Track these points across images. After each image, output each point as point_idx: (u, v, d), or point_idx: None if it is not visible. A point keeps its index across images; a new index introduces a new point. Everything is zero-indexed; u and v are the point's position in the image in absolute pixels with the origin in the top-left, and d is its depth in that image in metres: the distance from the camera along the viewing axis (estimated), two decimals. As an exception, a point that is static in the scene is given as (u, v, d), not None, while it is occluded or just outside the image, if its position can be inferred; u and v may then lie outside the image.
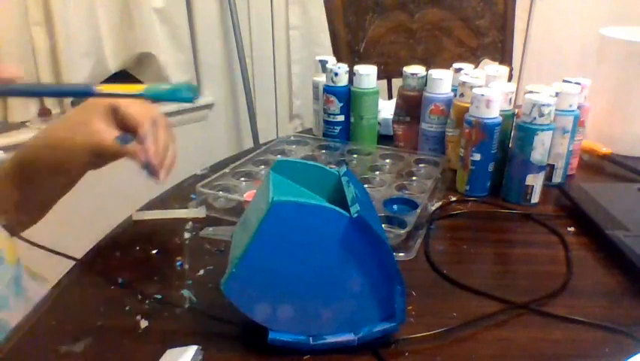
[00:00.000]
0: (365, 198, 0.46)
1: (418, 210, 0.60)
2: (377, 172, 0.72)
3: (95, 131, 0.55)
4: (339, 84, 0.80)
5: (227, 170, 0.69)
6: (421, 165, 0.74)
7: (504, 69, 0.76)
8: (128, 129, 0.56)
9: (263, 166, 0.72)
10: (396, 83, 0.92)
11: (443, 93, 0.76)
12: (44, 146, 0.59)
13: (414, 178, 0.70)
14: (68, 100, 1.44)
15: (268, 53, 1.89)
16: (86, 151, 0.55)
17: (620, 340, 0.44)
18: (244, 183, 0.68)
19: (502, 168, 0.69)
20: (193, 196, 0.66)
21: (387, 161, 0.75)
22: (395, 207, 0.63)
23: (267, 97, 1.92)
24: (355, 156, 0.77)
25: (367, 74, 0.78)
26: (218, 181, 0.66)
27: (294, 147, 0.80)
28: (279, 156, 0.76)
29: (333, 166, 0.68)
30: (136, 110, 0.56)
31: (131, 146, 0.55)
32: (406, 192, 0.66)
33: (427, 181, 0.68)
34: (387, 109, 0.88)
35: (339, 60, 0.84)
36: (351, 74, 0.80)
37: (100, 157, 0.57)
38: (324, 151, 0.78)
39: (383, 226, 0.58)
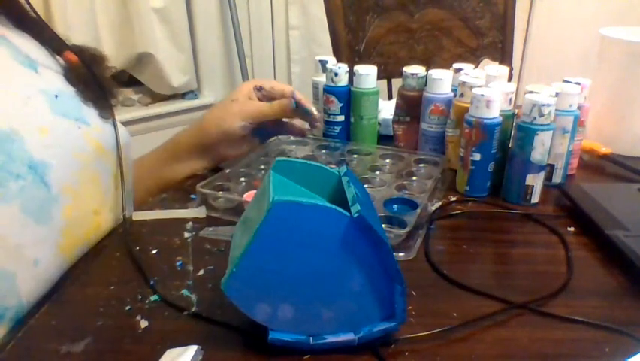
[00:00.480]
0: (365, 198, 0.46)
1: (418, 210, 0.60)
2: (377, 172, 0.72)
3: (245, 103, 0.70)
4: (339, 84, 0.80)
5: (226, 170, 0.70)
6: (421, 165, 0.74)
7: (504, 69, 0.76)
8: (273, 99, 0.71)
9: (263, 166, 0.72)
10: (396, 83, 0.92)
11: (443, 93, 0.76)
12: (197, 124, 0.71)
13: (414, 178, 0.70)
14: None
15: (268, 53, 1.90)
16: (240, 118, 0.69)
17: (620, 340, 0.44)
18: (243, 183, 0.68)
19: (502, 168, 0.69)
20: (193, 196, 0.66)
21: (387, 161, 0.75)
22: (395, 207, 0.63)
23: (267, 97, 1.91)
24: (355, 156, 0.77)
25: (367, 74, 0.78)
26: (218, 181, 0.66)
27: (293, 146, 0.80)
28: (278, 156, 0.76)
29: (333, 166, 0.68)
30: (276, 84, 0.73)
31: (277, 104, 0.70)
32: (406, 192, 0.66)
33: (427, 181, 0.68)
34: (387, 109, 0.88)
35: (339, 60, 0.84)
36: (351, 74, 0.80)
37: (252, 121, 0.70)
38: (324, 151, 0.78)
39: (383, 226, 0.58)
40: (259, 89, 0.72)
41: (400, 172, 0.71)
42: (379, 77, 0.83)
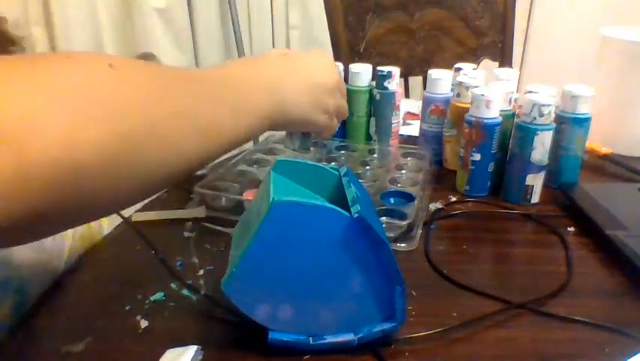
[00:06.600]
0: (365, 198, 0.46)
1: (416, 202, 0.61)
2: (367, 167, 0.73)
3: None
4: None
5: (221, 170, 0.70)
6: (408, 159, 0.75)
7: (514, 72, 0.76)
8: None
9: (255, 165, 0.73)
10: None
11: (443, 93, 0.76)
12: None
13: (403, 171, 0.71)
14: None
15: (268, 53, 1.89)
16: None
17: (620, 340, 0.44)
18: (238, 181, 0.68)
19: (502, 168, 0.69)
20: (193, 196, 0.66)
21: (375, 156, 0.77)
22: (392, 200, 0.64)
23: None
24: (343, 152, 0.78)
25: (358, 72, 0.79)
26: (214, 181, 0.66)
27: (279, 145, 0.80)
28: (267, 155, 0.77)
29: (325, 163, 0.69)
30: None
31: None
32: (399, 185, 0.67)
33: (417, 174, 0.69)
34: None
35: (338, 60, 0.85)
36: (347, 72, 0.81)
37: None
38: (311, 148, 0.79)
39: (383, 218, 0.58)
40: None
41: (389, 166, 0.72)
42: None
